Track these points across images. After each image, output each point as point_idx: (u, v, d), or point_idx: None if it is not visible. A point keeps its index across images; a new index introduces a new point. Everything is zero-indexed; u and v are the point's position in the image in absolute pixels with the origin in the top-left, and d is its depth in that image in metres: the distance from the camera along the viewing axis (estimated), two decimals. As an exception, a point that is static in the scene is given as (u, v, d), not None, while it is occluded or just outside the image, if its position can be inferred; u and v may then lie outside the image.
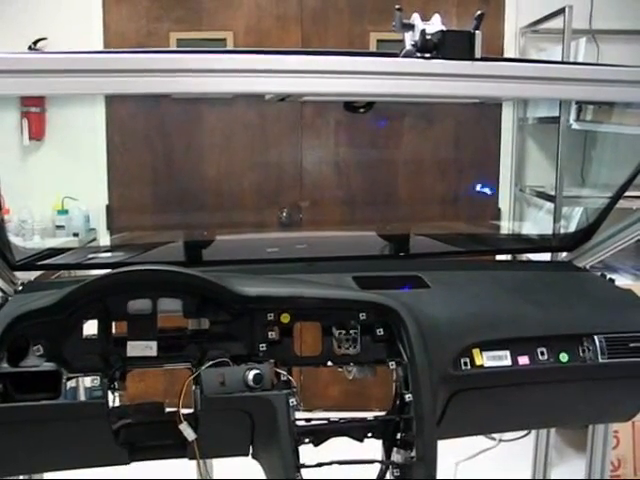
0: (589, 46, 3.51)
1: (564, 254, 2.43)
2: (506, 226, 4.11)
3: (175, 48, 3.77)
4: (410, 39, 1.36)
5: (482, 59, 1.35)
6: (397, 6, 1.36)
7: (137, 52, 1.39)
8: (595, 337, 1.80)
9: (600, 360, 1.79)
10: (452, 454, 3.37)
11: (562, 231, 3.39)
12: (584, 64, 1.62)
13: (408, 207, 3.99)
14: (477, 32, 1.33)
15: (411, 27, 1.35)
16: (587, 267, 2.28)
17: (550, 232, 3.45)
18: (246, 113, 3.95)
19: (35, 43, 3.70)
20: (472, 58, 1.34)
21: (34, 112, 3.79)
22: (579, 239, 2.32)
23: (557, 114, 3.37)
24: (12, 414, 1.54)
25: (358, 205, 4.02)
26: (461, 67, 1.36)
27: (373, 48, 3.88)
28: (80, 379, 1.67)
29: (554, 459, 3.20)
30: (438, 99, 1.79)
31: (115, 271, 1.66)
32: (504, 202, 4.04)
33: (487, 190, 4.04)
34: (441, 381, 1.70)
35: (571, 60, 3.26)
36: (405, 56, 1.36)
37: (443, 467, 1.69)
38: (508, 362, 1.75)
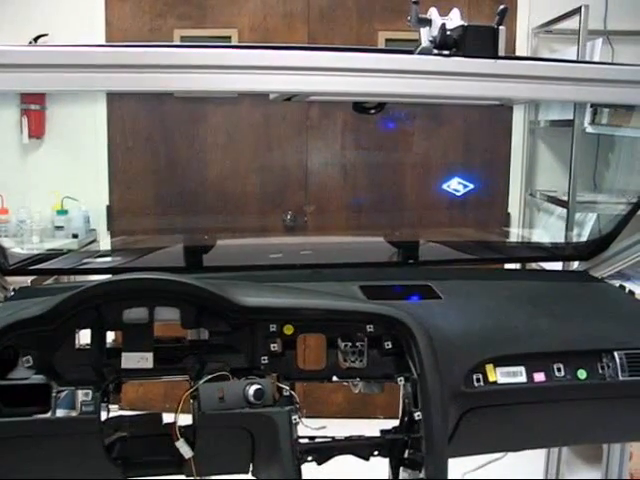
0: (603, 47, 3.41)
1: (576, 263, 2.34)
2: (516, 232, 4.02)
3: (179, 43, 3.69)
4: (427, 35, 1.27)
5: (506, 57, 1.26)
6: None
7: (138, 46, 1.33)
8: (615, 353, 1.71)
9: (620, 378, 1.70)
10: (460, 464, 3.29)
11: (574, 239, 3.30)
12: (620, 65, 1.52)
13: (416, 212, 3.90)
14: (501, 28, 1.23)
15: (428, 22, 1.25)
16: (602, 277, 2.19)
17: (562, 239, 3.35)
18: (250, 113, 3.87)
19: (36, 39, 3.62)
20: (495, 56, 1.24)
21: (34, 110, 3.73)
22: (595, 248, 2.23)
23: (570, 117, 3.28)
24: (-2, 429, 1.46)
25: (365, 209, 3.93)
26: (483, 66, 1.26)
27: (382, 48, 3.80)
28: (72, 392, 1.59)
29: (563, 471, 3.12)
30: (455, 100, 1.69)
31: (109, 279, 1.60)
32: (514, 207, 3.95)
33: (496, 194, 3.94)
34: (452, 398, 1.62)
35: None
36: (421, 53, 1.27)
37: (450, 477, 1.60)
38: (523, 379, 1.67)
